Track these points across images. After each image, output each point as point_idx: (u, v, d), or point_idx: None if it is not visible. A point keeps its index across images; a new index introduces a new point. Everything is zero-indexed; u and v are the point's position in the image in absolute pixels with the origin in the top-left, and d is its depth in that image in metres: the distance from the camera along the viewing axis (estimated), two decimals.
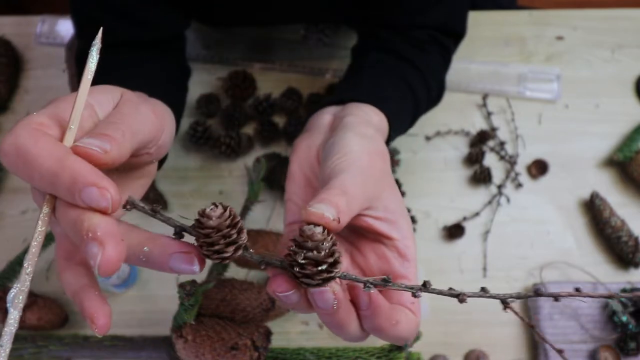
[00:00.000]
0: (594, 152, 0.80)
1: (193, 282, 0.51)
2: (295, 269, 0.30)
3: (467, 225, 0.76)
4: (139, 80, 0.49)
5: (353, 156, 0.38)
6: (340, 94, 0.51)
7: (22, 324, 0.63)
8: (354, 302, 0.33)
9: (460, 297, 0.31)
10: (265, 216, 0.75)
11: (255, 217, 0.71)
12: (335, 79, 0.83)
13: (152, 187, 0.74)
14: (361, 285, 0.31)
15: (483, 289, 0.32)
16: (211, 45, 0.85)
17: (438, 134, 0.80)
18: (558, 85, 0.83)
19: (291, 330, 0.70)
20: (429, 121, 0.81)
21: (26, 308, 0.63)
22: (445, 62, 0.66)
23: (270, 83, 0.82)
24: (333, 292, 0.31)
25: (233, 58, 0.84)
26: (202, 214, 0.29)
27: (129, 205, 0.29)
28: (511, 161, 0.79)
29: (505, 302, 0.31)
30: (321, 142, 0.42)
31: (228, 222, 0.29)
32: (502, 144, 0.80)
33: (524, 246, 0.75)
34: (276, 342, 0.57)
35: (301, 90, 0.81)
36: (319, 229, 0.30)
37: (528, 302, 0.71)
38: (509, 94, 0.83)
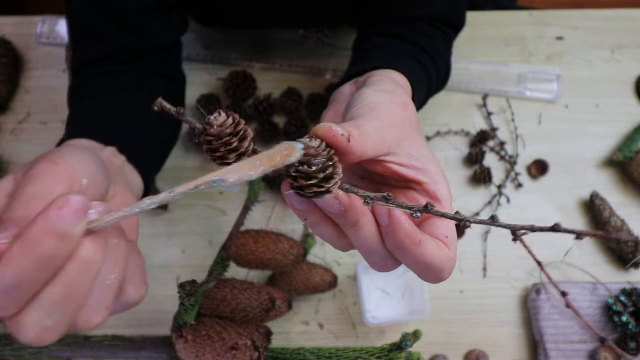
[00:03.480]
0: (593, 152, 0.80)
1: (193, 282, 0.51)
2: (289, 179, 0.31)
3: None
4: (138, 105, 0.50)
5: (371, 106, 0.38)
6: (356, 66, 0.51)
7: None
8: (375, 218, 0.33)
9: (463, 223, 0.30)
10: (265, 216, 0.75)
11: (255, 217, 0.71)
12: (335, 79, 0.83)
13: (152, 187, 0.74)
14: (362, 199, 0.31)
15: (492, 217, 0.30)
16: (211, 45, 0.85)
17: (438, 134, 0.80)
18: (558, 85, 0.83)
19: (291, 330, 0.70)
20: (429, 121, 0.82)
21: None
22: (448, 47, 0.66)
23: (270, 83, 0.82)
24: (336, 197, 0.31)
25: (233, 58, 0.84)
26: (207, 121, 0.29)
27: (157, 106, 0.29)
28: (511, 161, 0.79)
29: (515, 233, 0.29)
30: (345, 107, 0.43)
31: (229, 130, 0.29)
32: (502, 144, 0.80)
33: None
34: (276, 342, 0.57)
35: (301, 90, 0.81)
36: (314, 143, 0.30)
37: (528, 302, 0.71)
38: (509, 94, 0.83)
